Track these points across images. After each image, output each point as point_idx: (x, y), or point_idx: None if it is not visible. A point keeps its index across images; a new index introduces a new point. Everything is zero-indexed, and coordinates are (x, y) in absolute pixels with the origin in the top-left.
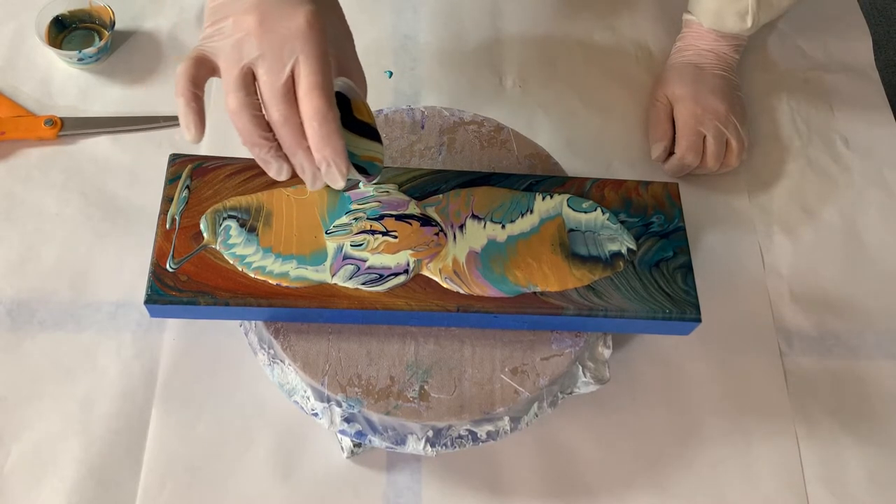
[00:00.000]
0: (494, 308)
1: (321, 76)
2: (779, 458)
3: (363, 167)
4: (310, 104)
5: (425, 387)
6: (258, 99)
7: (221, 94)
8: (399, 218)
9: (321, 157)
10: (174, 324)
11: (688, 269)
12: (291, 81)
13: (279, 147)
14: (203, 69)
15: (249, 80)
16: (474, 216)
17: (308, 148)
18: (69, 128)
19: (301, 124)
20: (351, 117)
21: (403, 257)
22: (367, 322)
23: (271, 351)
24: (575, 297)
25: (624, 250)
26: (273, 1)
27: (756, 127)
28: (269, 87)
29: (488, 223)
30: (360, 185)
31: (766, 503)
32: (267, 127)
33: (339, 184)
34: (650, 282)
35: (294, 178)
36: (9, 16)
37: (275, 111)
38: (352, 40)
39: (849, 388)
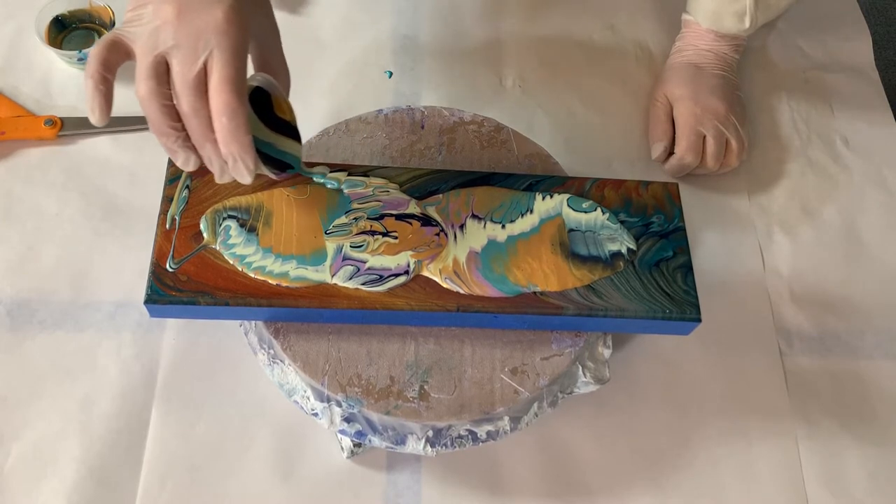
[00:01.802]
0: (494, 308)
1: (233, 70)
2: (778, 458)
3: (276, 163)
4: (219, 98)
5: (425, 387)
6: (169, 89)
7: None
8: (399, 217)
9: (228, 152)
10: (174, 324)
11: (688, 269)
12: (204, 74)
13: (187, 137)
14: (117, 53)
15: (162, 70)
16: (474, 216)
17: (216, 141)
18: (69, 128)
19: (210, 117)
20: (271, 113)
21: (404, 258)
22: (367, 322)
23: (271, 351)
24: (575, 296)
25: (624, 250)
26: None
27: (756, 127)
28: (180, 78)
29: (488, 223)
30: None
31: (765, 503)
32: (176, 117)
33: (246, 179)
34: (650, 282)
35: (293, 178)
36: (9, 16)
37: (185, 102)
38: (278, 37)
39: (849, 388)
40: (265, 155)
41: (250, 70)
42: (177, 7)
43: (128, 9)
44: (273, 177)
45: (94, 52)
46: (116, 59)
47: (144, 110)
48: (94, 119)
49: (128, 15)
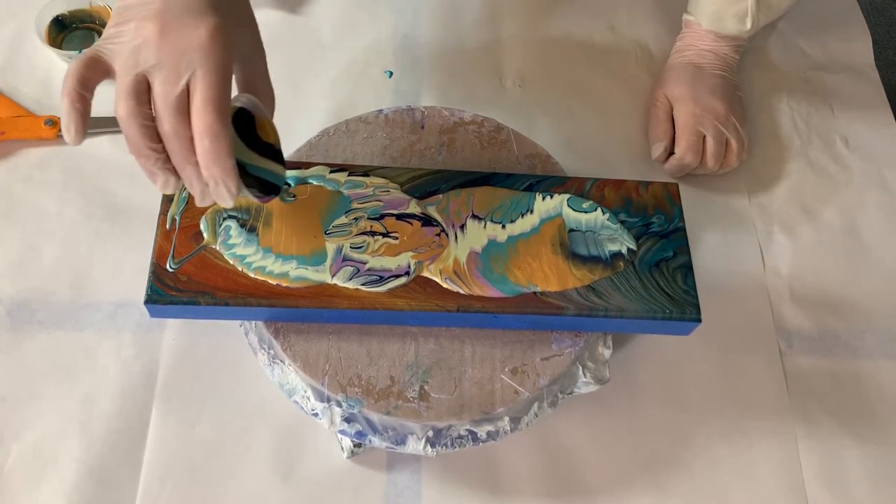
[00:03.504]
0: (494, 308)
1: (216, 92)
2: (778, 458)
3: (260, 187)
4: (201, 120)
5: (425, 387)
6: (150, 109)
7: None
8: (400, 217)
9: (209, 175)
10: (174, 324)
11: (688, 269)
12: (186, 94)
13: (167, 159)
14: (96, 71)
15: (143, 89)
16: (475, 216)
17: (197, 163)
18: None
19: (192, 138)
20: (254, 135)
21: (404, 259)
22: (367, 322)
23: (271, 351)
24: (575, 297)
25: (624, 250)
26: (178, 11)
27: (756, 127)
28: (162, 99)
29: (488, 223)
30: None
31: (765, 503)
32: (156, 138)
33: (228, 203)
34: (650, 282)
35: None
36: (9, 16)
37: (166, 123)
38: (263, 57)
39: (849, 388)
40: (247, 177)
41: (234, 91)
42: (159, 25)
43: (109, 25)
44: (255, 200)
45: (71, 69)
46: (95, 77)
47: (124, 130)
48: (69, 138)
49: (108, 31)
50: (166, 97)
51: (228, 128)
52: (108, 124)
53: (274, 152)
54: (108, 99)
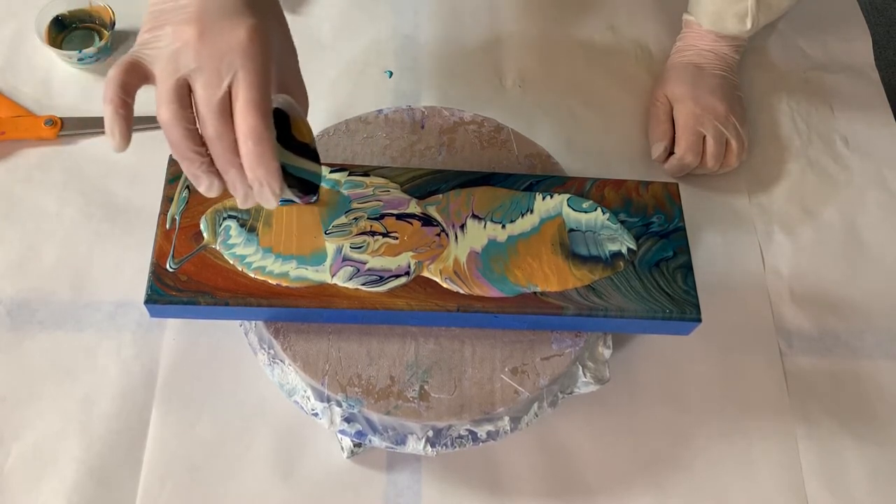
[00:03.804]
0: (494, 308)
1: (259, 93)
2: (778, 458)
3: (300, 186)
4: (245, 122)
5: (425, 387)
6: (192, 112)
7: None
8: (400, 217)
9: (254, 177)
10: (174, 324)
11: (688, 268)
12: (228, 97)
13: (211, 163)
14: (135, 76)
15: (184, 93)
16: (475, 216)
17: (241, 166)
18: (69, 128)
19: (235, 141)
20: (289, 135)
21: (404, 259)
22: (367, 322)
23: (271, 351)
24: (575, 297)
25: (624, 250)
26: (215, 12)
27: (756, 127)
28: (204, 102)
29: (488, 223)
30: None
31: (765, 503)
32: (200, 141)
33: (272, 204)
34: (650, 282)
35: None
36: (9, 16)
37: (209, 127)
38: (295, 56)
39: (849, 388)
40: (287, 177)
41: None
42: (198, 28)
43: (143, 29)
44: (297, 201)
45: (112, 75)
46: (135, 83)
47: (167, 135)
48: (115, 144)
49: (144, 36)
50: (209, 100)
51: (271, 129)
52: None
53: (310, 151)
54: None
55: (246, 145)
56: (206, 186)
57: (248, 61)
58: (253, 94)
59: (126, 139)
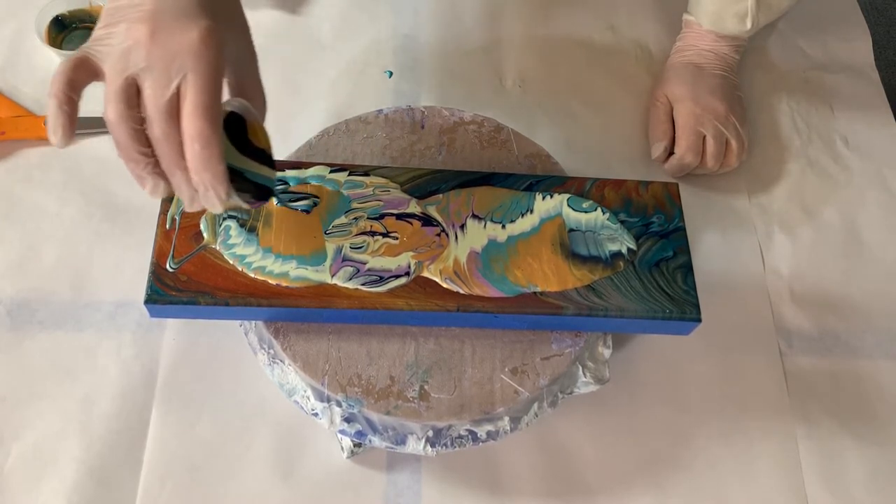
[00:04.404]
0: (494, 308)
1: (208, 96)
2: (778, 458)
3: (255, 192)
4: (192, 125)
5: (425, 387)
6: (140, 112)
7: None
8: (400, 217)
9: (199, 180)
10: (174, 324)
11: (688, 268)
12: (177, 98)
13: (157, 164)
14: (84, 73)
15: (133, 92)
16: (475, 216)
17: (187, 168)
18: None
19: (182, 143)
20: (245, 139)
21: (405, 259)
22: (367, 322)
23: (271, 351)
24: (575, 297)
25: (624, 250)
26: (169, 13)
27: (756, 127)
28: (152, 103)
29: (488, 223)
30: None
31: (765, 503)
32: (146, 142)
33: (217, 209)
34: (650, 282)
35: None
36: (9, 16)
37: (156, 128)
38: (255, 61)
39: (849, 388)
40: (239, 182)
41: (225, 94)
42: (150, 27)
43: (98, 26)
44: (245, 206)
45: (59, 70)
46: (83, 79)
47: (113, 134)
48: (56, 140)
49: (98, 32)
50: (156, 101)
51: (219, 133)
52: (103, 125)
53: (265, 157)
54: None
55: (192, 148)
56: (151, 188)
57: (199, 63)
58: (201, 96)
59: (68, 136)
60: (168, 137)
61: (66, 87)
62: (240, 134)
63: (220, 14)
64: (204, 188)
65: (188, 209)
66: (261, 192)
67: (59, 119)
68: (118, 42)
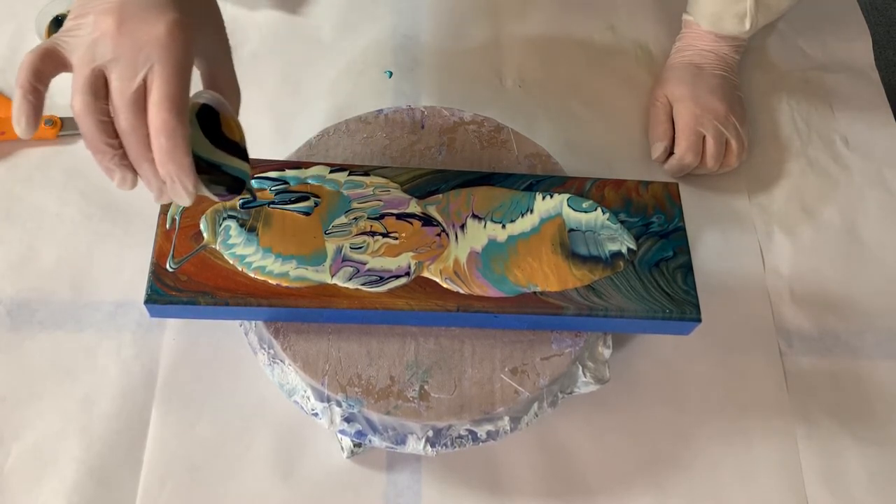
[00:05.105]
0: (494, 308)
1: (174, 88)
2: (778, 459)
3: (229, 185)
4: (158, 116)
5: (425, 387)
6: (107, 104)
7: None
8: (400, 217)
9: (165, 172)
10: (174, 324)
11: (688, 268)
12: (143, 90)
13: (124, 156)
14: (51, 63)
15: (100, 84)
16: (475, 216)
17: (154, 160)
18: (69, 128)
19: (148, 135)
20: (218, 132)
21: (405, 259)
22: (367, 322)
23: (271, 351)
24: (575, 296)
25: (624, 250)
26: (137, 5)
27: (756, 127)
28: (118, 94)
29: (488, 223)
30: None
31: (765, 503)
32: (113, 133)
33: (185, 201)
34: (650, 282)
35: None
36: (9, 16)
37: (122, 119)
38: (229, 55)
39: (849, 388)
40: (211, 174)
41: (198, 87)
42: (117, 18)
43: (68, 17)
44: (215, 199)
45: (26, 61)
46: (50, 70)
47: (80, 126)
48: (20, 131)
49: (67, 24)
50: (123, 92)
51: (185, 125)
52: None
53: (239, 149)
54: None
55: (158, 140)
56: (118, 180)
57: (166, 55)
58: (168, 88)
59: (32, 126)
60: (134, 129)
61: (32, 77)
62: (213, 126)
63: (190, 7)
64: (171, 180)
65: (157, 201)
66: (234, 185)
67: (23, 109)
68: (86, 33)
